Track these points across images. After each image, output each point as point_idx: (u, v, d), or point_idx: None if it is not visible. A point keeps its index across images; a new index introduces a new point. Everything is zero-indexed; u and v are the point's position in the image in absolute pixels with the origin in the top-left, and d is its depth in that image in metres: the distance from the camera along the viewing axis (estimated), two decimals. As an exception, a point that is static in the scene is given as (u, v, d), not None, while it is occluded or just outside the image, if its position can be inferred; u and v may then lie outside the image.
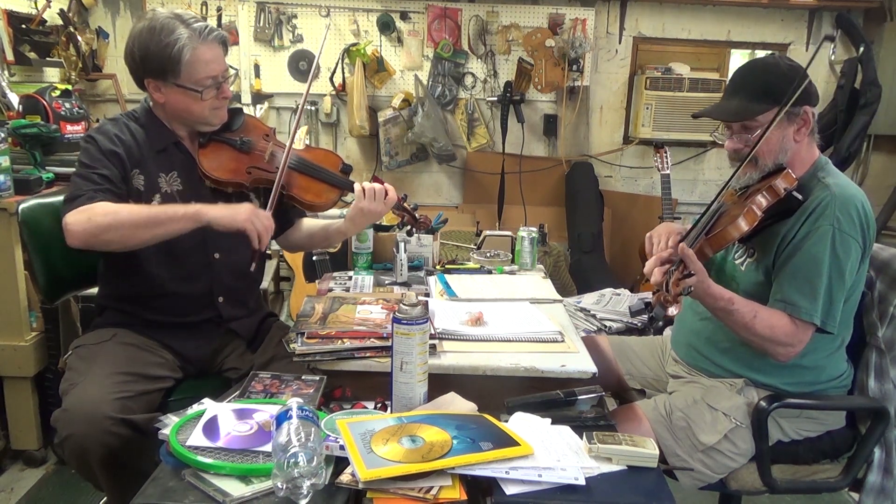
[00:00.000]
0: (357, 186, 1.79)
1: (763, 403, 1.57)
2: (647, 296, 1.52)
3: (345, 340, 1.58)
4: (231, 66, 1.77)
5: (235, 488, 1.10)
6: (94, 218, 1.52)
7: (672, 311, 1.35)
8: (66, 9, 3.53)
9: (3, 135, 2.33)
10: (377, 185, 1.78)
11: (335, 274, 2.22)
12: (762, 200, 1.51)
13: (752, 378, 1.65)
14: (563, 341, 1.69)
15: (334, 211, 2.43)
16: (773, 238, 1.57)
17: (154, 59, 1.62)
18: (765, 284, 1.59)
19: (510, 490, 1.12)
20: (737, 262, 1.67)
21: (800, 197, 1.52)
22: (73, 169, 1.66)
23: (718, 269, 1.73)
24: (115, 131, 1.68)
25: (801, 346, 1.53)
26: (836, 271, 1.50)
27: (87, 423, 1.41)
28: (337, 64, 3.92)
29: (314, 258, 2.44)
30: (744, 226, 1.49)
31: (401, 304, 1.35)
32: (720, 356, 1.69)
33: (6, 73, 2.96)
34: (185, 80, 1.64)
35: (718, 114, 1.65)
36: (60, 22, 3.42)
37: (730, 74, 4.09)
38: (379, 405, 1.44)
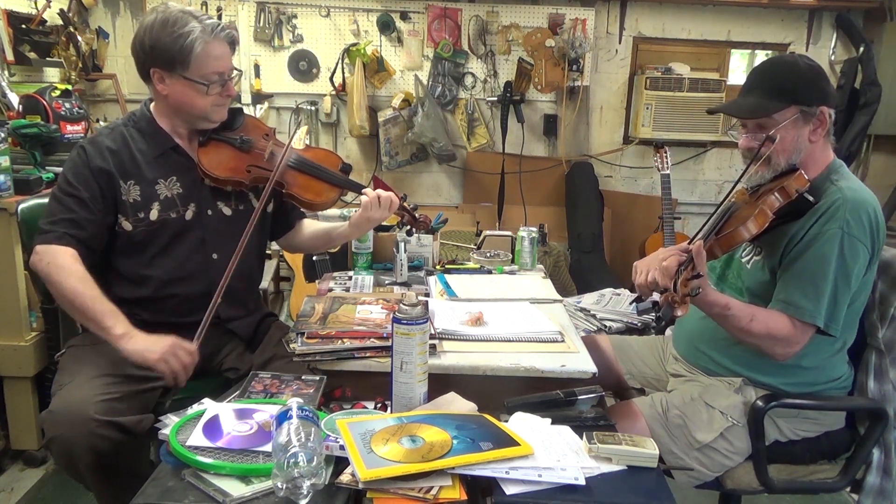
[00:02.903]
0: (365, 197, 1.79)
1: (759, 403, 1.57)
2: (655, 295, 1.51)
3: (345, 340, 1.58)
4: (236, 68, 1.78)
5: (235, 488, 1.10)
6: (50, 268, 1.56)
7: (679, 312, 1.34)
8: (66, 9, 3.53)
9: (3, 135, 2.33)
10: (383, 194, 1.79)
11: (335, 274, 2.22)
12: (774, 201, 1.49)
13: (752, 377, 1.65)
14: (563, 341, 1.69)
15: (334, 211, 2.44)
16: (781, 238, 1.56)
17: (165, 49, 1.63)
18: (770, 283, 1.59)
19: (510, 490, 1.12)
20: (743, 259, 1.67)
21: (811, 199, 1.51)
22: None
23: (724, 266, 1.73)
24: (109, 143, 1.68)
25: (800, 346, 1.53)
26: (842, 275, 1.50)
27: (72, 425, 1.41)
28: (337, 64, 3.92)
29: (314, 258, 2.44)
30: (754, 228, 1.48)
31: (401, 304, 1.35)
32: (720, 354, 1.69)
33: (6, 73, 2.96)
34: (192, 73, 1.64)
35: (734, 110, 1.65)
36: (60, 22, 3.42)
37: (730, 74, 4.17)
38: (379, 405, 1.44)
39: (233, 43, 1.72)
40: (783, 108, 1.53)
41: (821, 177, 1.59)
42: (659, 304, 1.45)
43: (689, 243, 1.50)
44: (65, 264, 1.56)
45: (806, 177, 1.52)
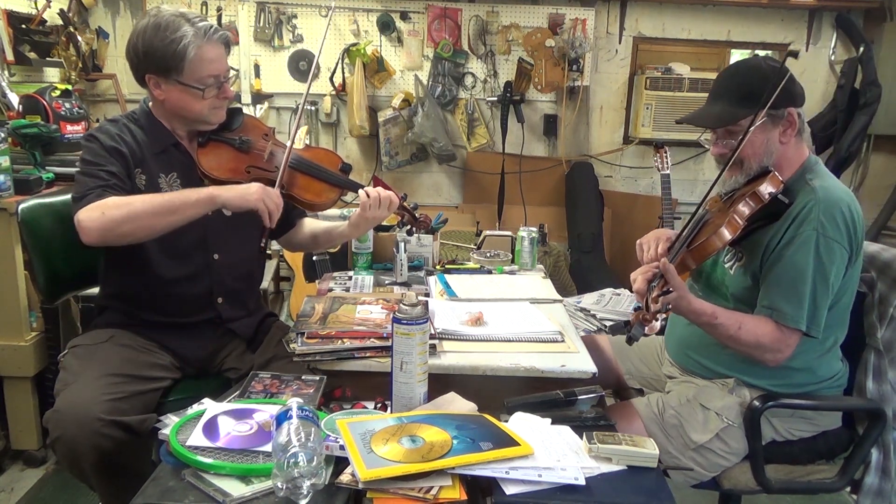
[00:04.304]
0: (363, 194, 1.78)
1: (756, 403, 1.57)
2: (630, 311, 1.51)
3: (345, 340, 1.58)
4: (231, 67, 1.77)
5: (235, 488, 1.10)
6: (108, 212, 1.51)
7: (655, 325, 1.33)
8: (66, 9, 3.52)
9: (3, 135, 2.33)
10: (382, 192, 1.79)
11: (335, 274, 2.22)
12: (745, 209, 1.49)
13: (743, 381, 1.65)
14: (563, 341, 1.69)
15: (334, 210, 2.44)
16: (759, 243, 1.56)
17: (158, 55, 1.62)
18: (753, 289, 1.58)
19: (510, 490, 1.12)
20: (726, 265, 1.67)
21: (786, 200, 1.51)
22: (74, 169, 1.66)
23: (709, 274, 1.73)
24: (116, 131, 1.68)
25: (789, 351, 1.53)
26: (820, 277, 1.49)
27: (78, 425, 1.41)
28: (337, 64, 3.92)
29: (314, 258, 2.44)
30: (727, 236, 1.48)
31: (401, 304, 1.36)
32: (710, 360, 1.69)
33: (6, 73, 2.96)
34: (187, 77, 1.64)
35: (700, 121, 1.63)
36: (60, 22, 3.42)
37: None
38: (379, 405, 1.44)
39: (227, 44, 1.71)
40: (749, 114, 1.50)
41: (795, 176, 1.58)
42: (630, 322, 1.43)
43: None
44: (118, 202, 1.54)
45: (780, 178, 1.51)
